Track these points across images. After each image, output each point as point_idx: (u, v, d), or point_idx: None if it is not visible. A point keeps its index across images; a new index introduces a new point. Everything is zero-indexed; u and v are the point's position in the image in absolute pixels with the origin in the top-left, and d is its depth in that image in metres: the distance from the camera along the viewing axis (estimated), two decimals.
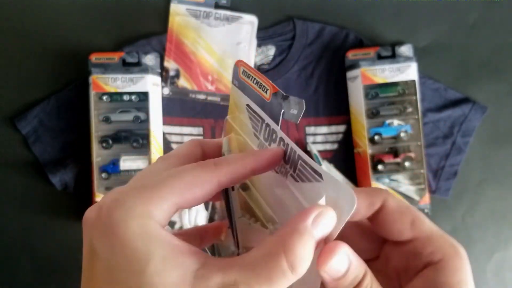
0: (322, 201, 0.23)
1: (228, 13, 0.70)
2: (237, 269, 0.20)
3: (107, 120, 0.65)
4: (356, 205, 0.21)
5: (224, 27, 0.70)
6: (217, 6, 0.70)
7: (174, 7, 0.70)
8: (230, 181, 0.24)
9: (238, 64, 0.29)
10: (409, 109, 0.67)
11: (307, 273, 0.21)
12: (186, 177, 0.23)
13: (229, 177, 0.24)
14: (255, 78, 0.28)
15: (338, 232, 0.22)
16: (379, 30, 0.72)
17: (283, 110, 0.26)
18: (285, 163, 0.25)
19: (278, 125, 0.26)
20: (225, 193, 0.28)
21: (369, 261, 0.27)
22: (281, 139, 0.25)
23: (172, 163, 0.26)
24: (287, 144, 0.25)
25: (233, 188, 0.28)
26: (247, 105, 0.28)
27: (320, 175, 0.23)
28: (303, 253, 0.21)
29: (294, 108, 0.25)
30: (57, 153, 0.67)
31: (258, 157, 0.25)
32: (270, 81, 0.27)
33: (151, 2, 0.70)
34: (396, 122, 0.67)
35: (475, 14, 0.72)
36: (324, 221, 0.22)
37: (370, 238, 0.29)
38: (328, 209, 0.22)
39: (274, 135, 0.26)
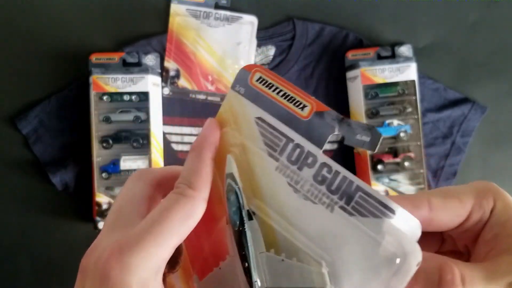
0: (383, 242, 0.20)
1: (228, 13, 0.70)
2: None
3: (107, 120, 0.65)
4: (420, 259, 0.20)
5: (224, 27, 0.71)
6: (217, 6, 0.70)
7: (174, 7, 0.70)
8: (209, 188, 0.24)
9: (251, 68, 0.25)
10: (409, 109, 0.67)
11: None
12: (176, 214, 0.23)
13: (208, 186, 0.24)
14: (282, 90, 0.24)
15: (408, 279, 0.20)
16: (378, 30, 0.72)
17: (336, 134, 0.23)
18: (330, 192, 0.22)
19: (321, 149, 0.23)
20: (232, 223, 0.25)
21: (438, 247, 0.26)
22: (325, 164, 0.22)
23: (148, 182, 0.26)
24: (336, 171, 0.22)
25: (250, 217, 0.24)
26: (259, 118, 0.24)
27: (391, 209, 0.20)
28: None
29: (365, 135, 0.22)
30: (57, 153, 0.67)
31: (205, 143, 0.24)
32: (313, 97, 0.24)
33: (151, 2, 0.70)
34: (395, 122, 0.67)
35: (475, 14, 0.72)
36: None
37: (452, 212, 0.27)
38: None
39: (310, 159, 0.23)
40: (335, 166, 0.22)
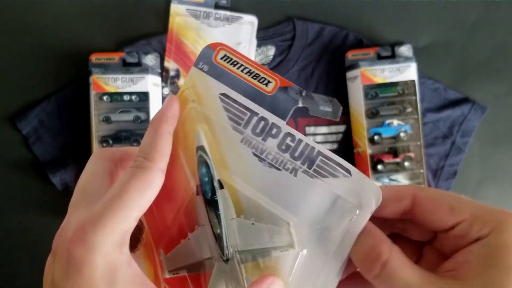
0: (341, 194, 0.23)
1: (228, 13, 0.70)
2: None
3: (107, 120, 0.65)
4: (382, 199, 0.22)
5: (224, 27, 0.71)
6: (217, 6, 0.70)
7: (174, 7, 0.70)
8: (167, 160, 0.25)
9: (215, 46, 0.26)
10: (409, 109, 0.67)
11: None
12: (133, 186, 0.23)
13: (165, 157, 0.24)
14: (246, 67, 0.26)
15: (363, 225, 0.23)
16: (379, 30, 0.72)
17: (298, 106, 0.25)
18: (293, 159, 0.24)
19: (285, 120, 0.25)
20: (202, 193, 0.26)
21: (428, 242, 0.27)
22: (289, 134, 0.24)
23: (108, 159, 0.27)
24: (299, 140, 0.24)
25: (221, 186, 0.26)
26: (223, 94, 0.26)
27: (348, 170, 0.23)
28: None
29: (327, 106, 0.24)
30: (57, 153, 0.67)
31: (163, 117, 0.25)
32: (277, 74, 0.25)
33: (151, 2, 0.70)
34: (395, 122, 0.67)
35: (475, 14, 0.72)
36: None
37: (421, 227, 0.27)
38: (278, 280, 0.24)
39: (274, 130, 0.25)
40: (298, 135, 0.24)
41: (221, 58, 0.26)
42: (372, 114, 0.68)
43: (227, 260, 0.26)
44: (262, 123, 0.25)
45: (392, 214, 0.26)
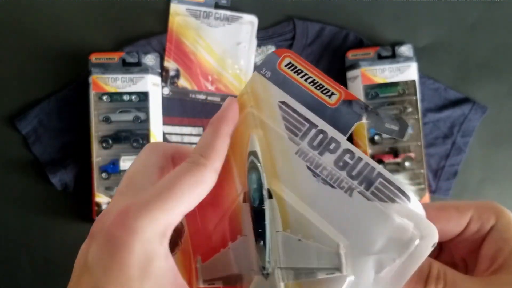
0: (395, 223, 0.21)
1: (228, 13, 0.70)
2: None
3: (107, 120, 0.65)
4: (436, 240, 0.21)
5: (224, 27, 0.70)
6: (217, 6, 0.70)
7: (174, 7, 0.70)
8: (222, 162, 0.24)
9: (281, 53, 0.25)
10: (409, 109, 0.67)
11: None
12: (186, 181, 0.23)
13: (221, 158, 0.24)
14: (311, 77, 0.24)
15: (424, 257, 0.22)
16: (379, 30, 0.72)
17: (361, 121, 0.24)
18: (350, 178, 0.23)
19: (345, 136, 0.23)
20: (249, 200, 0.25)
21: (435, 256, 0.27)
22: (348, 150, 0.23)
23: (161, 154, 0.26)
24: (359, 158, 0.23)
25: (270, 196, 0.25)
26: (283, 102, 0.25)
27: (408, 197, 0.21)
28: None
29: (393, 124, 0.23)
30: (57, 153, 0.67)
31: (222, 118, 0.25)
32: (342, 86, 0.24)
33: (151, 2, 0.70)
34: None
35: (475, 14, 0.72)
36: None
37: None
38: None
39: (333, 144, 0.23)
40: (358, 152, 0.23)
41: (286, 65, 0.25)
42: None
43: (267, 275, 0.24)
44: (321, 136, 0.24)
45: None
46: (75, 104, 0.68)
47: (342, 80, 0.70)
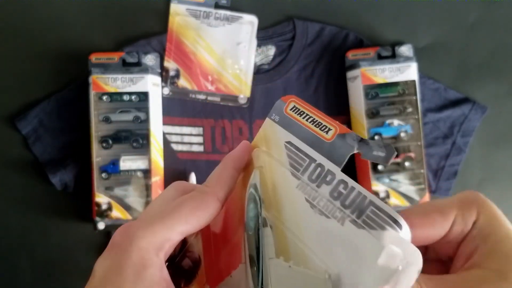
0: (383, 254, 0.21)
1: (228, 13, 0.70)
2: None
3: (107, 120, 0.65)
4: (420, 267, 0.21)
5: (224, 27, 0.70)
6: (217, 6, 0.70)
7: (174, 7, 0.70)
8: (226, 193, 0.27)
9: (287, 99, 0.28)
10: (409, 109, 0.67)
11: None
12: (187, 204, 0.25)
13: (225, 188, 0.27)
14: (311, 117, 0.27)
15: (411, 284, 0.21)
16: (379, 30, 0.72)
17: (355, 152, 0.25)
18: (343, 207, 0.24)
19: (340, 167, 0.25)
20: (247, 229, 0.26)
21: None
22: (342, 181, 0.24)
23: (180, 190, 0.28)
24: (352, 187, 0.24)
25: (265, 224, 0.26)
26: (288, 142, 0.27)
27: (399, 224, 0.22)
28: None
29: (380, 151, 0.24)
30: (57, 153, 0.67)
31: (232, 156, 0.28)
32: (337, 122, 0.26)
33: (151, 2, 0.70)
34: (396, 122, 0.67)
35: (475, 14, 0.72)
36: None
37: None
38: None
39: (329, 176, 0.25)
40: (351, 182, 0.24)
41: (291, 109, 0.27)
42: (373, 114, 0.67)
43: None
44: (319, 169, 0.25)
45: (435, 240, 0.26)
46: (75, 104, 0.68)
47: (342, 80, 0.70)
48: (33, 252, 0.68)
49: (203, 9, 0.70)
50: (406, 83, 0.67)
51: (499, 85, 0.73)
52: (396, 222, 0.22)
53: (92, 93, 0.65)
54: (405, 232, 0.22)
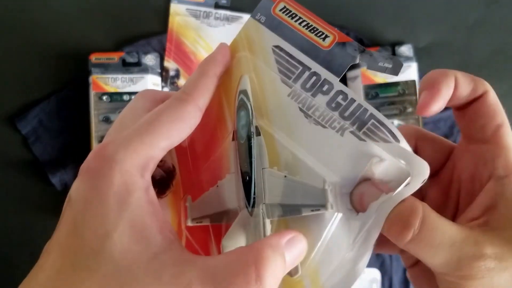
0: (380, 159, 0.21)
1: (228, 13, 0.70)
2: (196, 271, 0.19)
3: (107, 120, 0.65)
4: (427, 176, 0.21)
5: (224, 27, 0.70)
6: (217, 6, 0.70)
7: (174, 7, 0.70)
8: (207, 100, 0.24)
9: None
10: (409, 109, 0.67)
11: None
12: (166, 116, 0.22)
13: (205, 95, 0.24)
14: (305, 20, 0.25)
15: (411, 193, 0.21)
16: (379, 30, 0.72)
17: (355, 62, 0.23)
18: (342, 118, 0.23)
19: (338, 77, 0.23)
20: (238, 138, 0.25)
21: (434, 175, 0.26)
22: (341, 92, 0.23)
23: (151, 99, 0.26)
24: (352, 99, 0.23)
25: (258, 133, 0.24)
26: (277, 46, 0.24)
27: (397, 139, 0.21)
28: (274, 269, 0.19)
29: (387, 62, 0.23)
30: (57, 153, 0.67)
31: (211, 60, 0.25)
32: (335, 29, 0.24)
33: (151, 2, 0.70)
34: (396, 122, 0.67)
35: (475, 14, 0.72)
36: (296, 246, 0.21)
37: (438, 146, 0.27)
38: (301, 237, 0.21)
39: (326, 86, 0.23)
40: (351, 94, 0.23)
41: (280, 10, 0.25)
42: None
43: (252, 211, 0.24)
44: (314, 78, 0.24)
45: (459, 102, 0.26)
46: (75, 104, 0.68)
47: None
48: (33, 252, 0.68)
49: (203, 9, 0.70)
50: (406, 83, 0.67)
51: (499, 85, 0.72)
52: (395, 137, 0.22)
53: (92, 93, 0.65)
54: (404, 145, 0.22)
